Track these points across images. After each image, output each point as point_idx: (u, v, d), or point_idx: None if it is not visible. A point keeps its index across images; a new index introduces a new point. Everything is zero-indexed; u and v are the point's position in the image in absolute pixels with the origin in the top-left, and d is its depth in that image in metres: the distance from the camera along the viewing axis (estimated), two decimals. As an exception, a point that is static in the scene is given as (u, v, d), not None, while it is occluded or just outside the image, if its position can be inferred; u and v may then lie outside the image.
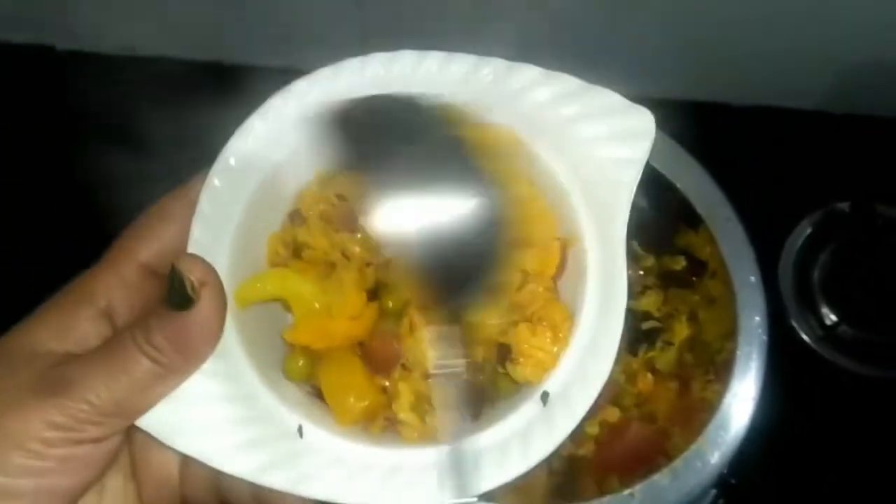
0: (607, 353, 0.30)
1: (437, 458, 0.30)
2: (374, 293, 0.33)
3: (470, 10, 0.65)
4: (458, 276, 0.30)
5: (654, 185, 0.53)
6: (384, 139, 0.30)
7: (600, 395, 0.30)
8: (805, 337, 0.63)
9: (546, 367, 0.31)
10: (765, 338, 0.49)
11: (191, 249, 0.31)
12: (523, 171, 0.34)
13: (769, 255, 0.62)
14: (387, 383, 0.32)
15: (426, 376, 0.32)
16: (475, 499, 0.29)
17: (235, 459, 0.29)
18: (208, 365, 0.30)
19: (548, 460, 0.30)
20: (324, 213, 0.34)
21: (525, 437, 0.30)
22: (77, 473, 0.29)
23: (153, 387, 0.29)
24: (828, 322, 0.64)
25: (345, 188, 0.34)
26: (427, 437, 0.31)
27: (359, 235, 0.33)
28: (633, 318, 0.57)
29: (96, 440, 0.29)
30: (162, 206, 0.32)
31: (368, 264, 0.33)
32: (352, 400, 0.31)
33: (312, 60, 0.34)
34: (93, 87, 0.67)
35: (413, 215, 0.29)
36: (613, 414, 0.53)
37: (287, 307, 0.33)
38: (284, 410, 0.31)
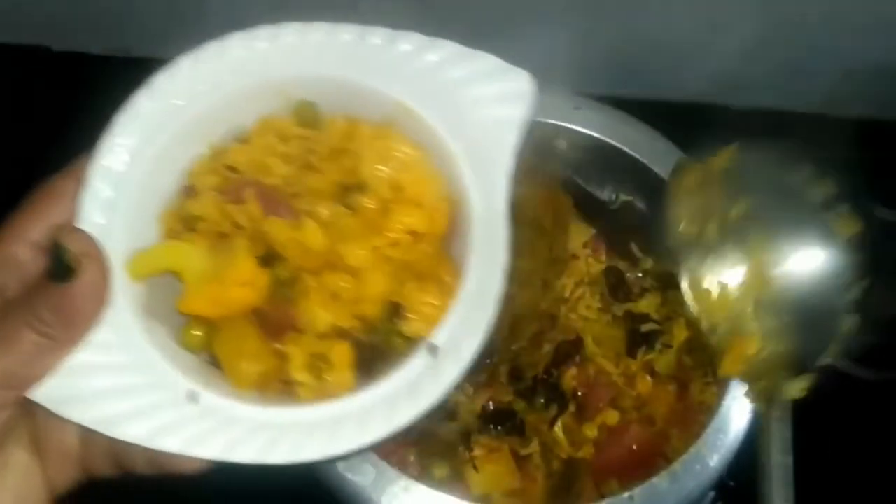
0: (489, 303, 0.32)
1: (330, 414, 0.31)
2: (268, 261, 0.33)
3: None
4: None
5: (652, 187, 0.52)
6: None
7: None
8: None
9: (434, 321, 0.32)
10: (764, 339, 0.48)
11: (80, 225, 0.32)
12: (409, 135, 0.35)
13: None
14: (281, 347, 0.33)
15: (320, 336, 0.32)
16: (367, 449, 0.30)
17: (127, 426, 0.30)
18: (103, 336, 0.31)
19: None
20: (217, 185, 0.34)
21: (414, 387, 0.31)
22: None
23: (41, 358, 0.29)
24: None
25: (236, 159, 0.35)
26: (323, 394, 0.32)
27: (249, 206, 0.33)
28: (632, 320, 0.56)
29: None
30: (51, 185, 0.33)
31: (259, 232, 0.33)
32: (245, 364, 0.32)
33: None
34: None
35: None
36: (612, 416, 0.53)
37: (181, 279, 0.33)
38: (180, 377, 0.31)
